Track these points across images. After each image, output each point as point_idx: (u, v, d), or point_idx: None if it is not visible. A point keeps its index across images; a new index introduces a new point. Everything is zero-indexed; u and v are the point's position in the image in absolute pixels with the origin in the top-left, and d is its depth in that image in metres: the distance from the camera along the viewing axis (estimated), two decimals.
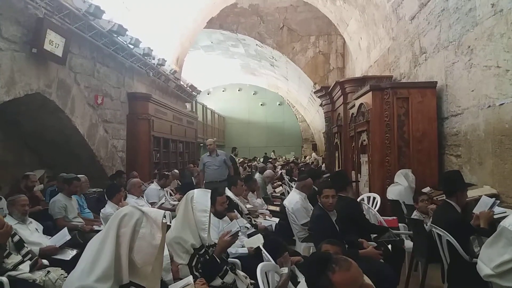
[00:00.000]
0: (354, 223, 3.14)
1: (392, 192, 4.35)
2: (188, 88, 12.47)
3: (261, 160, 17.32)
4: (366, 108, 4.88)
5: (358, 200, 4.49)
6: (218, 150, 6.03)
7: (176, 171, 7.89)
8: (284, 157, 20.31)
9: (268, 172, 6.74)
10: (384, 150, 4.60)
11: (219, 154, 5.94)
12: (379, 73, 6.81)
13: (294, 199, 3.97)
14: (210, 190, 2.50)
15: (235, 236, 2.43)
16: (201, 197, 2.38)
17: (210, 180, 5.76)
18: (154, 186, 5.64)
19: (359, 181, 5.33)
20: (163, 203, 5.17)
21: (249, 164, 13.65)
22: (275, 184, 8.25)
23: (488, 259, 1.88)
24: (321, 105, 9.08)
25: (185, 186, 5.96)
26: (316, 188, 4.41)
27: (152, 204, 5.02)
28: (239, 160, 12.79)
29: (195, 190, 2.48)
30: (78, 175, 4.54)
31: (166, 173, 6.09)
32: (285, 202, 4.08)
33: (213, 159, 5.89)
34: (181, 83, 11.89)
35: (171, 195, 6.17)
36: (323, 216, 3.01)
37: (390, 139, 4.57)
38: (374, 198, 4.53)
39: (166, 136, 9.41)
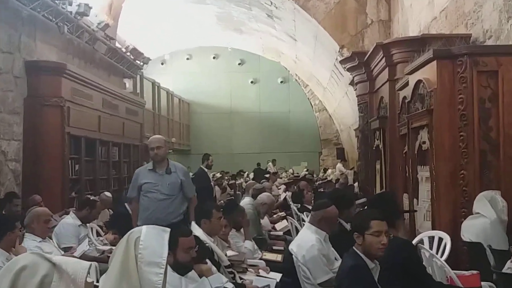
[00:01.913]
0: (409, 281, 3.14)
1: (471, 230, 4.36)
2: (128, 54, 12.43)
3: (251, 175, 17.34)
4: (427, 88, 4.91)
5: (414, 242, 4.48)
6: (172, 161, 5.37)
7: (108, 194, 7.84)
8: (290, 170, 20.38)
9: (265, 196, 6.74)
10: (457, 158, 4.64)
11: (172, 169, 5.19)
12: (449, 31, 6.87)
13: (307, 241, 3.97)
14: (168, 229, 2.48)
15: None
16: (152, 239, 2.35)
17: (151, 222, 5.16)
18: (70, 221, 5.59)
19: (415, 211, 5.36)
20: (85, 251, 5.11)
21: (231, 182, 13.66)
22: (275, 215, 8.24)
23: None
24: (352, 83, 9.13)
25: (122, 220, 5.91)
26: (345, 223, 4.45)
27: (68, 250, 4.98)
28: (214, 176, 12.80)
29: (143, 227, 2.46)
30: None
31: (92, 198, 5.99)
32: (292, 247, 4.08)
33: (160, 178, 5.15)
34: (117, 45, 11.84)
35: (99, 234, 6.11)
36: (361, 269, 2.99)
37: (467, 140, 4.61)
38: (440, 240, 4.54)
39: (91, 134, 9.41)
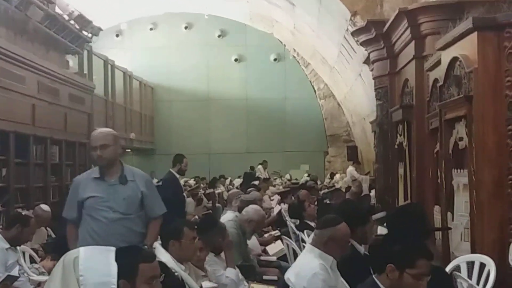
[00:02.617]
0: None
1: None
2: (73, 23, 12.33)
3: (236, 182, 17.32)
4: (465, 68, 4.93)
5: (448, 269, 4.50)
6: (128, 166, 4.91)
7: (45, 208, 7.79)
8: (286, 175, 20.41)
9: (251, 210, 6.73)
10: (504, 160, 4.66)
11: (128, 177, 4.79)
12: None
13: (308, 268, 3.96)
14: (112, 248, 2.48)
15: None
16: (93, 258, 2.38)
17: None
18: None
19: (450, 229, 5.38)
20: (15, 279, 5.08)
21: (208, 192, 13.64)
22: (266, 235, 8.22)
23: None
24: (367, 61, 9.14)
25: (64, 241, 5.85)
26: (358, 245, 4.46)
27: None
28: (186, 184, 12.78)
29: (81, 248, 2.47)
30: None
31: (24, 212, 5.92)
32: (289, 276, 4.08)
33: (111, 190, 4.74)
34: (58, 11, 11.74)
35: (34, 261, 6.07)
36: None
37: None
38: (482, 266, 4.57)
39: (22, 128, 9.39)
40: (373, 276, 3.13)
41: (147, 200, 4.80)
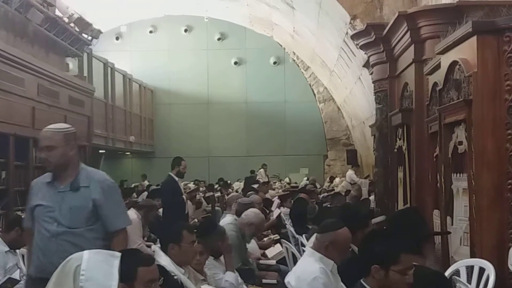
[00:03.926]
0: None
1: None
2: (73, 26, 12.34)
3: (235, 185, 17.30)
4: (464, 72, 4.93)
5: (447, 273, 4.50)
6: (88, 169, 4.16)
7: None
8: (286, 179, 20.40)
9: (251, 213, 6.73)
10: (503, 164, 4.66)
11: (81, 182, 4.02)
12: None
13: (308, 272, 3.98)
14: (118, 254, 2.47)
15: None
16: (96, 267, 2.37)
17: (39, 273, 3.90)
18: None
19: (449, 233, 5.38)
20: (16, 282, 5.08)
21: (208, 195, 13.64)
22: (266, 239, 8.22)
23: None
24: (366, 65, 9.13)
25: None
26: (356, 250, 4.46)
27: None
28: (185, 188, 12.76)
29: (85, 252, 2.46)
30: None
31: (23, 215, 5.92)
32: (289, 280, 4.09)
33: (58, 198, 3.99)
34: (58, 14, 11.75)
35: None
36: None
37: None
38: (481, 271, 4.57)
39: (22, 131, 9.39)
40: (361, 280, 3.13)
41: (102, 210, 4.00)
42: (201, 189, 15.20)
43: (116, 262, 2.41)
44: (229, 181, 18.03)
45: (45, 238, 3.92)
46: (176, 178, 9.14)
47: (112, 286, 2.35)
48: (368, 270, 3.06)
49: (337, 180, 19.09)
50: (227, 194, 13.05)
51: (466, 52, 4.95)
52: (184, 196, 9.35)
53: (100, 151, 18.48)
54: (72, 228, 3.91)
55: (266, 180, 17.46)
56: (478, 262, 4.62)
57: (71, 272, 2.35)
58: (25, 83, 9.43)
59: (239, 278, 5.34)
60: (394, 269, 3.02)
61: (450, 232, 5.36)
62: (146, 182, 18.77)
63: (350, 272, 3.94)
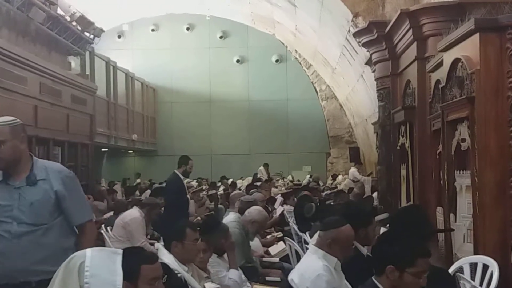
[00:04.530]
0: None
1: None
2: (75, 24, 12.34)
3: (238, 183, 17.29)
4: (467, 69, 4.93)
5: (450, 271, 4.51)
6: (41, 161, 3.85)
7: None
8: (289, 177, 20.39)
9: (254, 211, 6.73)
10: (506, 161, 4.66)
11: (38, 175, 3.72)
12: None
13: (312, 269, 3.98)
14: (120, 251, 2.48)
15: None
16: (100, 264, 2.39)
17: (2, 280, 3.64)
18: None
19: (452, 230, 5.38)
20: None
21: (211, 193, 13.64)
22: (269, 236, 8.22)
23: None
24: (369, 62, 9.13)
25: None
26: (361, 247, 4.45)
27: None
28: (188, 186, 12.77)
29: (88, 250, 2.46)
30: None
31: None
32: (292, 277, 4.09)
33: (15, 195, 3.68)
34: (60, 12, 11.75)
35: None
36: None
37: None
38: (485, 268, 4.57)
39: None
40: (373, 278, 3.14)
41: (65, 202, 3.70)
42: (203, 187, 15.20)
43: (119, 259, 2.42)
44: (231, 179, 18.03)
45: (5, 241, 3.58)
46: (182, 177, 9.12)
47: (117, 281, 2.36)
48: (382, 269, 3.09)
49: (340, 177, 19.08)
50: (230, 192, 13.05)
51: (469, 49, 4.94)
52: (188, 196, 9.35)
53: (103, 149, 18.51)
54: (36, 226, 3.62)
55: (268, 177, 17.45)
56: (481, 259, 4.62)
57: (75, 269, 2.36)
58: (28, 81, 9.44)
59: (243, 275, 5.35)
60: (409, 271, 3.05)
61: (453, 229, 5.36)
62: (138, 180, 18.76)
63: (356, 270, 3.95)
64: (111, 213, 9.16)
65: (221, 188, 15.82)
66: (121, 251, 2.48)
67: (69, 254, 3.09)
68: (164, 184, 10.67)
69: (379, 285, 3.08)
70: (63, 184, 3.69)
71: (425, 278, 3.08)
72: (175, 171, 9.10)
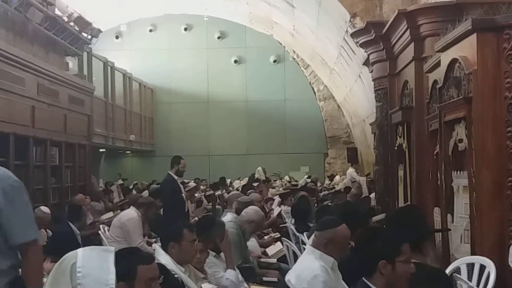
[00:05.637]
0: None
1: None
2: (72, 25, 12.34)
3: (236, 184, 17.30)
4: (464, 69, 4.93)
5: (447, 271, 4.50)
6: None
7: (45, 209, 7.82)
8: (286, 177, 20.38)
9: (251, 211, 6.73)
10: (503, 162, 4.65)
11: None
12: None
13: (309, 270, 3.98)
14: (111, 248, 2.47)
15: None
16: (92, 263, 2.38)
17: None
18: None
19: (449, 230, 5.38)
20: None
21: (208, 193, 13.64)
22: (266, 237, 8.22)
23: None
24: (366, 63, 9.13)
25: (64, 243, 5.85)
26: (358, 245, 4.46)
27: None
28: (187, 185, 12.75)
29: (79, 250, 2.46)
30: None
31: None
32: (289, 278, 4.09)
33: None
34: (58, 13, 11.74)
35: None
36: None
37: None
38: (482, 268, 4.57)
39: (22, 130, 9.40)
40: (363, 278, 3.13)
41: (3, 216, 3.11)
42: (202, 187, 15.18)
43: (111, 257, 2.42)
44: (229, 180, 18.01)
45: None
46: (175, 177, 9.15)
47: (110, 280, 2.35)
48: (373, 268, 3.07)
49: (337, 178, 19.08)
50: (228, 193, 13.05)
51: (466, 49, 4.95)
52: (183, 195, 9.35)
53: (100, 150, 18.48)
54: None
55: (266, 178, 17.44)
56: (478, 260, 4.62)
57: (67, 271, 2.35)
58: (25, 82, 9.42)
59: (240, 276, 5.35)
60: (399, 260, 3.05)
61: (450, 230, 5.36)
62: (120, 181, 18.66)
63: (353, 270, 3.95)
64: (110, 214, 9.18)
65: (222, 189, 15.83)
66: (113, 249, 2.47)
67: (8, 277, 3.06)
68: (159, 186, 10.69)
69: (371, 285, 3.07)
70: (3, 195, 3.08)
71: (412, 264, 3.08)
72: (169, 172, 9.15)
